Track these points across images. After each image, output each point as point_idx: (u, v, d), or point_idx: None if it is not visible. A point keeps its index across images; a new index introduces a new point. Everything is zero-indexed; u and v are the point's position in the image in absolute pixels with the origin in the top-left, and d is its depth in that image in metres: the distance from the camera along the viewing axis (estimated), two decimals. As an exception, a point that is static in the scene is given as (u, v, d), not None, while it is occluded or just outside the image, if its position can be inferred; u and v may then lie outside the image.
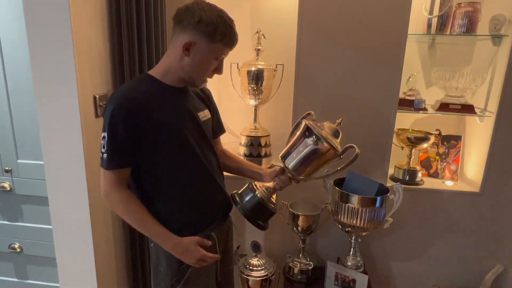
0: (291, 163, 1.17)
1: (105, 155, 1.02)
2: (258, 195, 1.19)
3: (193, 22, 1.01)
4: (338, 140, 1.18)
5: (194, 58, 1.05)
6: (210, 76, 1.14)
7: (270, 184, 1.23)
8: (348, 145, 1.14)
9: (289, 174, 1.20)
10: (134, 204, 1.07)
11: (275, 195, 1.25)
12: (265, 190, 1.21)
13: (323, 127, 1.19)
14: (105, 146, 1.02)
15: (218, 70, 1.13)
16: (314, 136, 1.13)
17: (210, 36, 1.02)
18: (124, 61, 1.46)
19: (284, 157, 1.20)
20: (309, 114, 1.27)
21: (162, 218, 1.11)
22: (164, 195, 1.11)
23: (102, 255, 1.48)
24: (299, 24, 1.62)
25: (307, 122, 1.17)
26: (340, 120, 1.21)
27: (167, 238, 1.08)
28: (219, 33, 1.02)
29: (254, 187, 1.22)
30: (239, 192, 1.25)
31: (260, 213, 1.20)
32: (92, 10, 1.32)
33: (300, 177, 1.19)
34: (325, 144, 1.12)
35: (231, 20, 1.06)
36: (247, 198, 1.20)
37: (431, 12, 1.66)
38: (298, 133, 1.20)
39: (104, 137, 1.02)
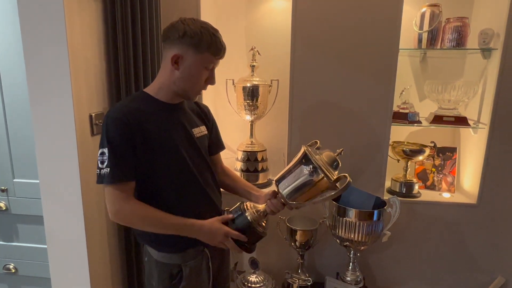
0: (284, 188, 1.14)
1: (107, 170, 1.01)
2: (248, 217, 1.14)
3: (178, 37, 1.04)
4: (336, 172, 1.13)
5: (184, 71, 1.07)
6: (204, 88, 1.14)
7: (261, 207, 1.19)
8: (341, 174, 1.09)
9: (281, 199, 1.16)
10: (146, 208, 1.05)
11: (266, 219, 1.21)
12: (255, 212, 1.17)
13: (321, 156, 1.14)
14: (106, 161, 1.01)
15: (210, 80, 1.13)
16: (311, 166, 1.09)
17: (196, 47, 1.05)
18: (120, 80, 1.48)
19: (279, 181, 1.16)
20: (315, 142, 1.23)
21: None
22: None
23: (97, 275, 1.46)
24: (293, 40, 1.65)
25: (305, 149, 1.13)
26: (340, 150, 1.16)
27: (190, 226, 1.08)
28: (205, 42, 1.05)
29: (245, 207, 1.17)
30: (230, 210, 1.21)
31: (247, 235, 1.14)
32: (88, 29, 1.35)
33: (292, 203, 1.14)
34: (321, 175, 1.07)
35: (215, 30, 1.09)
36: (236, 218, 1.16)
37: (421, 28, 1.70)
38: (295, 159, 1.16)
39: (103, 153, 1.02)
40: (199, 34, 1.04)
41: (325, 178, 1.07)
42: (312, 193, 1.12)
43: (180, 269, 1.14)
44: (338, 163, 1.14)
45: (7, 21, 1.65)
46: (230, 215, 1.16)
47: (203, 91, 1.72)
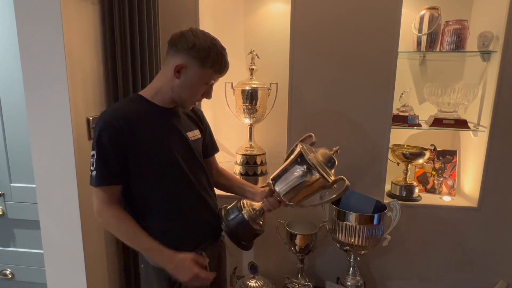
0: (281, 187, 1.13)
1: (94, 173, 1.04)
2: (245, 215, 1.16)
3: (186, 47, 1.05)
4: (333, 171, 1.11)
5: (184, 80, 1.08)
6: (199, 100, 1.16)
7: (258, 205, 1.20)
8: (338, 177, 1.08)
9: (278, 198, 1.16)
10: (126, 219, 1.06)
11: (263, 216, 1.21)
12: (251, 210, 1.18)
13: (317, 154, 1.12)
14: (94, 164, 1.03)
15: (207, 94, 1.15)
16: (305, 165, 1.08)
17: (202, 62, 1.05)
18: (117, 83, 1.47)
19: (275, 180, 1.15)
20: (309, 136, 1.20)
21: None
22: (151, 213, 1.11)
23: (94, 280, 1.44)
24: (292, 43, 1.65)
25: (301, 147, 1.11)
26: (337, 148, 1.13)
27: (160, 252, 1.06)
28: (211, 59, 1.06)
29: (242, 205, 1.19)
30: (227, 208, 1.23)
31: (243, 233, 1.16)
32: (85, 32, 1.34)
33: (288, 202, 1.14)
34: (316, 174, 1.06)
35: (223, 48, 1.10)
36: (232, 216, 1.17)
37: (420, 30, 1.69)
38: (291, 157, 1.14)
39: (93, 155, 1.04)
40: (207, 50, 1.05)
41: (321, 178, 1.06)
42: (307, 192, 1.11)
43: None
44: (335, 161, 1.12)
45: (4, 25, 1.64)
46: (206, 262, 1.12)
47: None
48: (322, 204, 1.17)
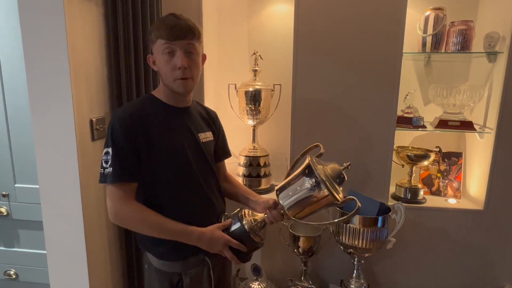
0: (285, 200, 1.08)
1: (109, 170, 1.01)
2: (245, 226, 1.10)
3: (148, 39, 1.11)
4: (341, 189, 1.07)
5: (157, 66, 1.10)
6: (177, 75, 1.06)
7: (260, 216, 1.15)
8: (349, 197, 1.05)
9: (281, 211, 1.11)
10: (147, 211, 1.05)
11: (265, 229, 1.16)
12: (253, 221, 1.12)
13: (326, 168, 1.06)
14: (109, 161, 1.02)
15: (177, 63, 1.05)
16: (314, 180, 1.02)
17: (151, 39, 1.08)
18: (121, 85, 1.47)
19: (280, 191, 1.10)
20: (317, 146, 1.14)
21: (154, 237, 1.09)
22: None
23: (97, 281, 1.44)
24: (295, 45, 1.64)
25: (309, 160, 1.05)
26: (347, 164, 1.07)
27: (189, 233, 1.07)
28: (154, 30, 1.07)
29: (243, 215, 1.13)
30: (228, 216, 1.19)
31: (243, 244, 1.11)
32: (89, 34, 1.34)
33: (292, 217, 1.09)
34: (324, 190, 1.00)
35: (168, 15, 1.08)
36: (232, 226, 1.13)
37: (425, 31, 1.68)
38: (299, 169, 1.08)
39: (107, 153, 1.03)
40: (153, 26, 1.09)
41: (328, 195, 1.01)
42: (313, 208, 1.07)
43: (180, 278, 1.13)
44: (344, 177, 1.05)
45: (10, 26, 1.65)
46: (229, 220, 1.13)
47: (205, 97, 1.74)
48: (328, 225, 1.11)
